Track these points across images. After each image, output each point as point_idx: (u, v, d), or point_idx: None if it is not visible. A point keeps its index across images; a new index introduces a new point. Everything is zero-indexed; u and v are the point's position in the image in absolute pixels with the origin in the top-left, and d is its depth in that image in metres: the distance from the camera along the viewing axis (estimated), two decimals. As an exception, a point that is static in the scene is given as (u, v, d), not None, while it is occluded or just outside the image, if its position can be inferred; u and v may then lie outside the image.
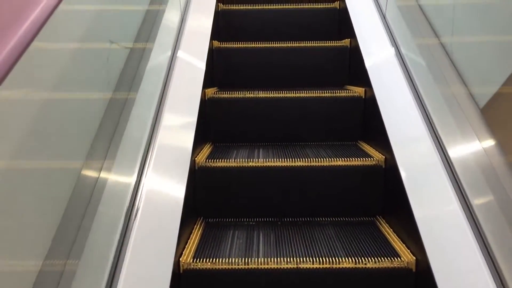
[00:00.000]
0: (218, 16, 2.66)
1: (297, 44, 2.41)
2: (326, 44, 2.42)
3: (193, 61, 2.02)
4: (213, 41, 2.37)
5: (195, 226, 1.65)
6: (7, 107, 0.80)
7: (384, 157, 1.68)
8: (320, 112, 2.10)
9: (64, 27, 1.05)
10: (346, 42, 2.40)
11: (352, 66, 2.36)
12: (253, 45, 2.43)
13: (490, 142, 1.49)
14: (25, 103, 0.86)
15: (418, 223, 1.30)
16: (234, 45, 2.44)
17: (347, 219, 1.73)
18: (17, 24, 0.80)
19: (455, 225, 1.18)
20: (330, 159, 1.72)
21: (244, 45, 2.44)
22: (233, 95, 2.09)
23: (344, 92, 2.08)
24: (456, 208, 1.20)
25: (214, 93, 2.08)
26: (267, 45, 2.42)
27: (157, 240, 1.25)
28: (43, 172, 0.89)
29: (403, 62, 1.94)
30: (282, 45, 2.42)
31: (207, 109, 2.04)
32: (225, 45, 2.43)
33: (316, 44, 2.42)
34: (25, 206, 0.80)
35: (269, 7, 2.74)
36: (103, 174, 1.10)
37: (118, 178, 1.22)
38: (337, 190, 1.75)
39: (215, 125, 2.09)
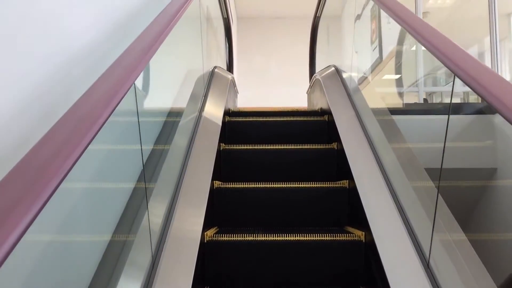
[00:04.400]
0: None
1: (297, 185, 2.49)
2: (325, 185, 2.50)
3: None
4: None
5: None
6: None
7: (388, 310, 1.62)
8: (321, 256, 2.07)
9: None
10: (344, 183, 2.46)
11: (351, 207, 2.38)
12: (256, 186, 2.50)
13: None
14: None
15: None
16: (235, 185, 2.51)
17: None
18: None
19: None
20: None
21: (247, 186, 2.51)
22: (232, 238, 2.09)
23: (344, 235, 2.08)
24: None
25: (213, 235, 2.09)
26: (267, 185, 2.49)
27: None
28: None
29: (401, 207, 1.98)
30: (281, 185, 2.49)
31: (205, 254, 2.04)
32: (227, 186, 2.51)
33: (316, 185, 2.49)
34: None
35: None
36: None
37: None
38: None
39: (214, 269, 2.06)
